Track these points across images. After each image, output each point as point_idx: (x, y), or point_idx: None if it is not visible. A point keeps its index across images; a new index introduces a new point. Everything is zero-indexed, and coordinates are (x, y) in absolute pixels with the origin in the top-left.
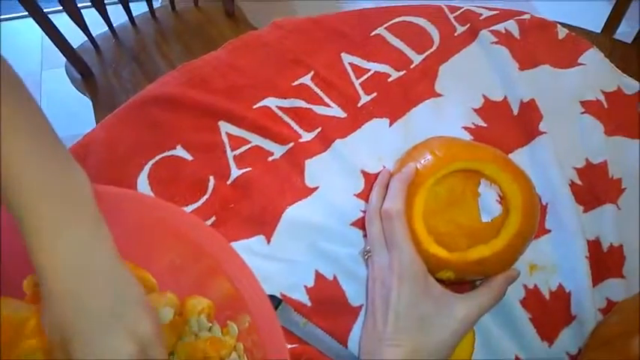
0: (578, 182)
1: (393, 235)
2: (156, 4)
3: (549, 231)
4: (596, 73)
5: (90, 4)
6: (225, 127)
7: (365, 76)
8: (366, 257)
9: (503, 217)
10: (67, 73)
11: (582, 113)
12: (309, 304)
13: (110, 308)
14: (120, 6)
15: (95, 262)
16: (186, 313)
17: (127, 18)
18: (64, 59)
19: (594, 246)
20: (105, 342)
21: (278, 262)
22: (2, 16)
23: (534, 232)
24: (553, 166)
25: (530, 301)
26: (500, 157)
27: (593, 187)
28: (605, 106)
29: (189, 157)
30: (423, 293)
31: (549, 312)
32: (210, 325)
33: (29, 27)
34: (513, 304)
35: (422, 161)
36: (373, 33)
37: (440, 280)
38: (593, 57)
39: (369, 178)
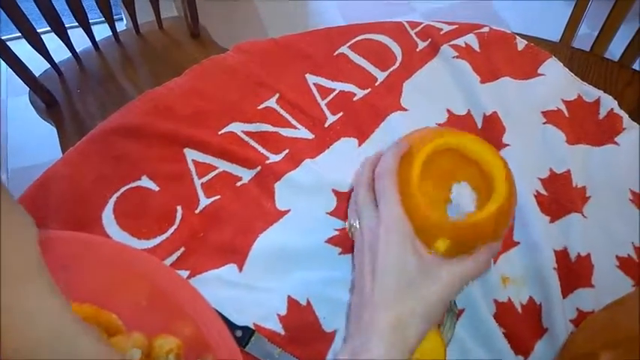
0: (544, 192)
1: (383, 192)
2: (119, 27)
3: (518, 243)
4: (556, 83)
5: (49, 29)
6: (191, 155)
7: (330, 96)
8: (352, 232)
9: (489, 190)
10: (31, 102)
11: (544, 123)
12: (282, 332)
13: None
14: (82, 30)
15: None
16: (155, 353)
17: (90, 42)
18: (23, 88)
19: (562, 256)
20: None
21: (250, 290)
22: None
23: (516, 201)
24: (518, 179)
25: (503, 316)
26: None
27: (559, 196)
28: (567, 115)
29: (155, 188)
30: (411, 251)
31: (522, 326)
32: None
33: None
34: (487, 318)
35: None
36: (336, 52)
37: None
38: (552, 67)
39: (341, 197)
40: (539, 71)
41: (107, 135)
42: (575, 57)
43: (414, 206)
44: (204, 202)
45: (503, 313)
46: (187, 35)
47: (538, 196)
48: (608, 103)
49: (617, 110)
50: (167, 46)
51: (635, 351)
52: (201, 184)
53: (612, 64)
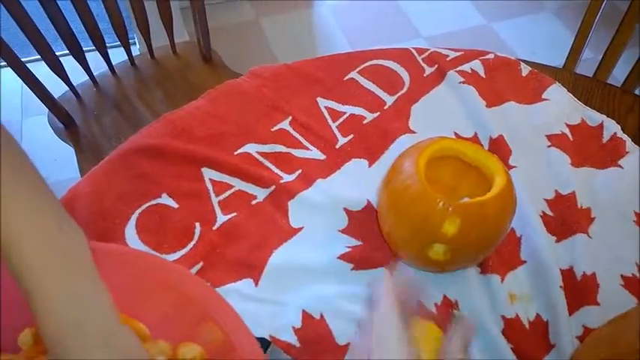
0: (550, 213)
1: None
2: (134, 52)
3: (525, 262)
4: (560, 108)
5: (68, 52)
6: (209, 174)
7: (341, 119)
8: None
9: (489, 188)
10: (49, 123)
11: (549, 146)
12: (297, 344)
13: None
14: (98, 54)
15: (91, 318)
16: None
17: (106, 66)
18: (44, 107)
19: (568, 275)
20: None
21: (266, 304)
22: None
23: (516, 201)
24: (524, 199)
25: (511, 331)
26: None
27: (564, 217)
28: (571, 138)
29: (174, 205)
30: None
31: (529, 341)
32: None
33: (8, 75)
34: (496, 334)
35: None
36: (346, 77)
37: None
38: (556, 92)
39: (353, 215)
40: (543, 96)
41: (128, 155)
42: (579, 83)
43: (423, 192)
44: (221, 219)
45: (511, 328)
46: (200, 59)
47: (544, 217)
48: (612, 127)
49: (620, 134)
50: (181, 69)
51: None
52: (219, 201)
53: (615, 89)
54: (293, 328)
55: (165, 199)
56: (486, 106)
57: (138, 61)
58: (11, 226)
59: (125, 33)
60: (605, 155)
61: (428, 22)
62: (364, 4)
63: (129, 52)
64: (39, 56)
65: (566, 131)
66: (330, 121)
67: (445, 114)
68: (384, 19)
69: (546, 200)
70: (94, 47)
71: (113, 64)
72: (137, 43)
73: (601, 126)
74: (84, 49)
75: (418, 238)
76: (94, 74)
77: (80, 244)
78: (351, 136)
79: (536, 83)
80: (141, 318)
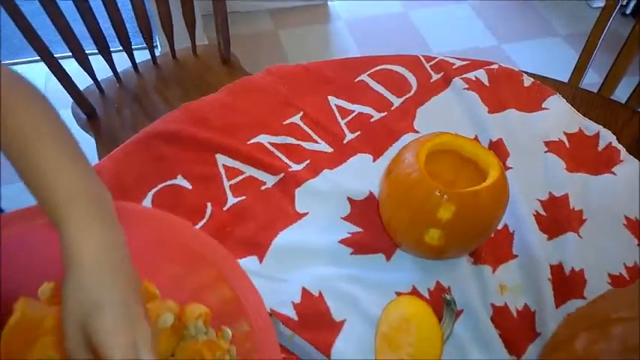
0: (543, 213)
1: None
2: (157, 52)
3: (516, 256)
4: (558, 117)
5: (97, 51)
6: (222, 160)
7: (350, 117)
8: None
9: (484, 176)
10: (72, 114)
11: (546, 152)
12: (296, 318)
13: (125, 297)
14: (124, 53)
15: (115, 258)
16: (185, 318)
17: (130, 64)
18: (65, 102)
19: (557, 270)
20: (119, 317)
21: (269, 280)
22: (4, 62)
23: (509, 195)
24: (519, 198)
25: (499, 319)
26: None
27: (556, 217)
28: (567, 145)
29: (189, 186)
30: None
31: (516, 329)
32: (206, 329)
33: (31, 72)
34: (484, 320)
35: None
36: (357, 79)
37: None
38: (556, 102)
39: (355, 204)
40: (543, 105)
41: (149, 139)
42: (578, 95)
43: (421, 180)
44: (231, 201)
45: (500, 316)
46: (218, 61)
47: (537, 216)
48: (607, 137)
49: (615, 144)
50: (200, 69)
51: (608, 331)
52: (230, 185)
53: (613, 102)
54: (293, 303)
55: (180, 181)
56: (488, 111)
57: (160, 61)
58: (45, 170)
59: (150, 34)
60: (600, 162)
61: (440, 40)
62: (379, 20)
63: (152, 52)
64: (69, 53)
65: (564, 139)
66: (339, 118)
67: (448, 117)
68: (397, 35)
69: (540, 201)
70: (120, 47)
71: (137, 62)
72: (159, 46)
73: (597, 135)
74: (111, 48)
75: (415, 223)
76: (118, 71)
77: (105, 193)
78: (358, 133)
79: (538, 93)
80: (152, 277)
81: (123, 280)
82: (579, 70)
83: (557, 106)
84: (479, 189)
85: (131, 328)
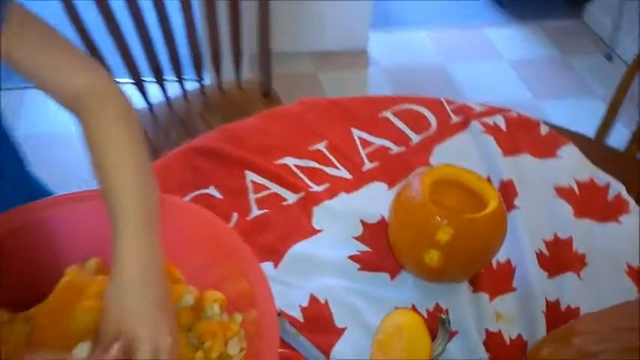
0: (546, 252)
1: None
2: (206, 83)
3: (515, 289)
4: (571, 165)
5: (154, 80)
6: (251, 176)
7: (370, 148)
8: None
9: (485, 207)
10: None
11: (555, 197)
12: (301, 320)
13: (159, 304)
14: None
15: (149, 275)
16: (204, 301)
17: (181, 91)
18: None
19: (554, 306)
20: (144, 325)
21: (281, 284)
22: None
23: (507, 222)
24: (523, 236)
25: (492, 344)
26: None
27: (559, 257)
28: (577, 193)
29: (219, 196)
30: None
31: (508, 356)
32: (221, 313)
33: None
34: (477, 343)
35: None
36: (381, 115)
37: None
38: (570, 151)
39: (367, 226)
40: (557, 153)
41: (188, 152)
42: (594, 147)
43: (424, 205)
44: (255, 212)
45: (493, 341)
46: (260, 94)
47: (540, 255)
48: (617, 187)
49: (625, 195)
50: (242, 100)
51: (569, 343)
52: (255, 199)
53: (629, 156)
54: (300, 306)
55: (212, 191)
56: (502, 154)
57: (207, 90)
58: (116, 177)
59: (200, 68)
60: (607, 211)
61: (474, 91)
62: (416, 69)
63: (201, 83)
64: (129, 79)
65: (574, 186)
66: (360, 148)
67: (463, 155)
68: (432, 84)
69: (544, 241)
70: (175, 78)
71: (187, 90)
72: (207, 79)
73: (607, 185)
74: (165, 77)
75: (417, 243)
76: (169, 97)
77: (158, 210)
78: (376, 163)
79: (553, 142)
80: (181, 264)
81: (152, 295)
82: (606, 124)
83: (570, 154)
84: (476, 216)
85: (154, 336)
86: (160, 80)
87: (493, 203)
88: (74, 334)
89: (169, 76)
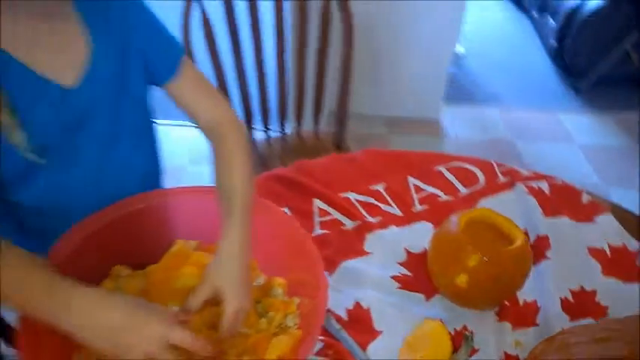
0: (571, 299)
1: None
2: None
3: (537, 324)
4: (606, 230)
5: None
6: (318, 203)
7: (422, 194)
8: None
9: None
10: None
11: (586, 255)
12: (346, 318)
13: (246, 277)
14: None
15: (240, 261)
16: (271, 283)
17: (265, 136)
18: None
19: None
20: (241, 287)
21: (333, 289)
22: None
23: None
24: (550, 282)
25: None
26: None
27: (582, 304)
28: (609, 255)
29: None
30: None
31: None
32: (282, 294)
33: (178, 130)
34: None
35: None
36: (435, 169)
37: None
38: (607, 219)
39: (410, 255)
40: (595, 219)
41: (269, 179)
42: (631, 218)
43: (458, 237)
44: (317, 231)
45: None
46: (333, 145)
47: (564, 301)
48: None
49: None
50: (317, 148)
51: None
52: (319, 221)
53: None
54: (346, 308)
55: (285, 210)
56: (542, 213)
57: (288, 137)
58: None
59: (284, 119)
60: (635, 272)
61: (541, 169)
62: (485, 144)
63: (283, 132)
64: None
65: (606, 248)
66: (413, 193)
67: (505, 210)
68: (500, 159)
69: (570, 290)
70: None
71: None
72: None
73: (639, 251)
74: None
75: (450, 267)
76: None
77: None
78: (425, 206)
79: (592, 209)
80: (255, 255)
81: (244, 268)
82: None
83: (607, 222)
84: (502, 250)
85: (240, 297)
86: (249, 126)
87: (519, 242)
88: (176, 292)
89: (257, 124)
